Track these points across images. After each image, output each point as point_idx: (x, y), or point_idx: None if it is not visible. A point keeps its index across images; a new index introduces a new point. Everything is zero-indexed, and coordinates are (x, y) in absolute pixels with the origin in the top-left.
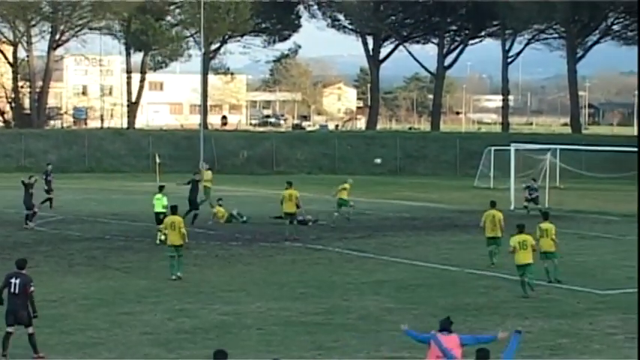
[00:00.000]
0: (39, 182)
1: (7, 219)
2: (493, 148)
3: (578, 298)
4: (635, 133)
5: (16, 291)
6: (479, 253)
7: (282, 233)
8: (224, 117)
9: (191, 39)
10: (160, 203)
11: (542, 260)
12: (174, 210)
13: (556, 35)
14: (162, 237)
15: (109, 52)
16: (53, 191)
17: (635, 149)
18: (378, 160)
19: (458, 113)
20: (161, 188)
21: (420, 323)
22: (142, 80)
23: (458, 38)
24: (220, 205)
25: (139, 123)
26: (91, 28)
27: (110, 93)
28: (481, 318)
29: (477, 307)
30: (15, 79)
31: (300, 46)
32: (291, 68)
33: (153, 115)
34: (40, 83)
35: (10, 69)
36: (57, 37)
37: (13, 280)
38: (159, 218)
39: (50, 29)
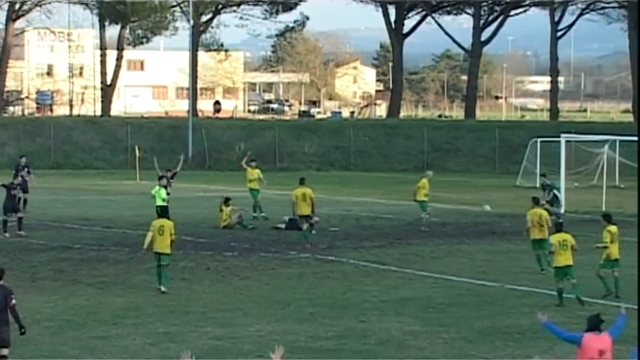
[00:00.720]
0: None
1: None
2: (539, 139)
3: None
4: None
5: None
6: (522, 266)
7: (288, 242)
8: (217, 102)
9: (178, 9)
10: (160, 196)
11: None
12: (164, 211)
13: (615, 4)
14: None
15: (79, 24)
16: (28, 192)
17: None
18: (488, 207)
19: (497, 98)
20: (161, 178)
21: (452, 349)
22: (119, 59)
23: (497, 8)
24: (228, 206)
25: (116, 110)
26: None
27: (81, 74)
28: (524, 343)
29: (519, 330)
30: None
31: (307, 18)
32: (297, 44)
33: (132, 100)
34: None
35: None
36: (16, 6)
37: None
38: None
39: None
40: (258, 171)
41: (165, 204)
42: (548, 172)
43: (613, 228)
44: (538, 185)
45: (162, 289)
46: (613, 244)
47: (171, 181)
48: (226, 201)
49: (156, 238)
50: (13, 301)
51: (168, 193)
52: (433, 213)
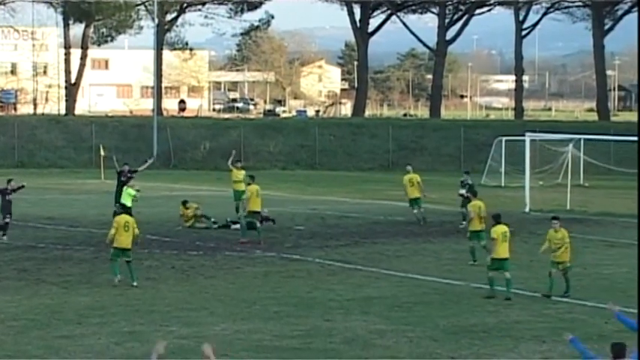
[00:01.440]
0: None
1: None
2: (504, 138)
3: (606, 318)
4: None
5: None
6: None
7: (253, 241)
8: (182, 101)
9: (142, 7)
10: (130, 194)
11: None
12: (126, 208)
13: (580, 3)
14: None
15: (43, 23)
16: None
17: None
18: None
19: (462, 97)
20: (120, 173)
21: (417, 348)
22: (84, 57)
23: (462, 7)
24: (187, 208)
25: (80, 109)
26: None
27: (45, 72)
28: (490, 342)
29: (485, 328)
30: None
31: (272, 17)
32: (262, 43)
33: (96, 99)
34: None
35: None
36: None
37: None
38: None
39: None
40: (243, 172)
41: (128, 203)
42: (513, 171)
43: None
44: (503, 184)
45: (135, 284)
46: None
47: (130, 175)
48: (184, 203)
49: (121, 234)
50: None
51: (138, 190)
52: (398, 212)
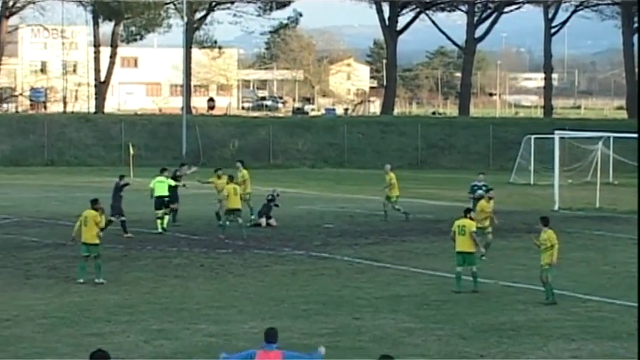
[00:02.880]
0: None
1: None
2: (533, 136)
3: (636, 317)
4: None
5: None
6: (516, 262)
7: (282, 239)
8: (211, 99)
9: (171, 6)
10: (163, 187)
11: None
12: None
13: (609, 1)
14: (164, 224)
15: (72, 21)
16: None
17: None
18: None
19: (491, 95)
20: (162, 170)
21: (446, 347)
22: (113, 55)
23: (491, 5)
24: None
25: (109, 107)
26: None
27: (74, 71)
28: (519, 340)
29: (513, 326)
30: None
31: (301, 15)
32: (291, 41)
33: (126, 97)
34: None
35: None
36: (10, 3)
37: None
38: (161, 202)
39: None
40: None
41: (169, 194)
42: (542, 169)
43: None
44: (532, 182)
45: (100, 280)
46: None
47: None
48: (216, 171)
49: (83, 230)
50: None
51: (184, 185)
52: (428, 210)
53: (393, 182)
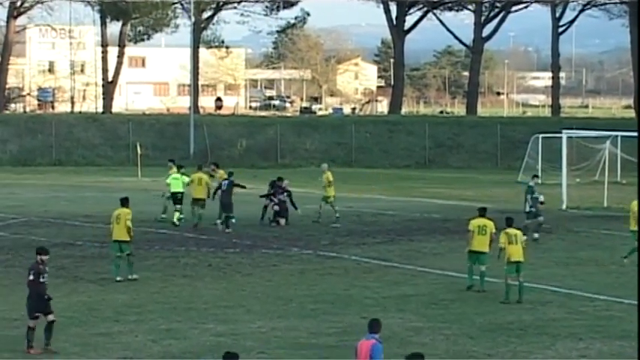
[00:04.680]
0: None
1: None
2: (541, 135)
3: None
4: None
5: None
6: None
7: (289, 239)
8: (218, 99)
9: (179, 5)
10: (178, 183)
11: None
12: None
13: (616, 0)
14: (181, 215)
15: (80, 21)
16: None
17: None
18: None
19: (499, 94)
20: (179, 167)
21: (454, 346)
22: (120, 55)
23: (498, 4)
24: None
25: (117, 107)
26: None
27: (82, 71)
28: (526, 339)
29: (521, 326)
30: None
31: (308, 14)
32: (298, 41)
33: (133, 97)
34: None
35: None
36: (18, 3)
37: None
38: (177, 198)
39: None
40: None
41: (184, 190)
42: (550, 168)
43: (512, 230)
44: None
45: (134, 276)
46: (512, 246)
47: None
48: (217, 165)
49: (114, 227)
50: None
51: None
52: (435, 209)
53: (329, 181)
